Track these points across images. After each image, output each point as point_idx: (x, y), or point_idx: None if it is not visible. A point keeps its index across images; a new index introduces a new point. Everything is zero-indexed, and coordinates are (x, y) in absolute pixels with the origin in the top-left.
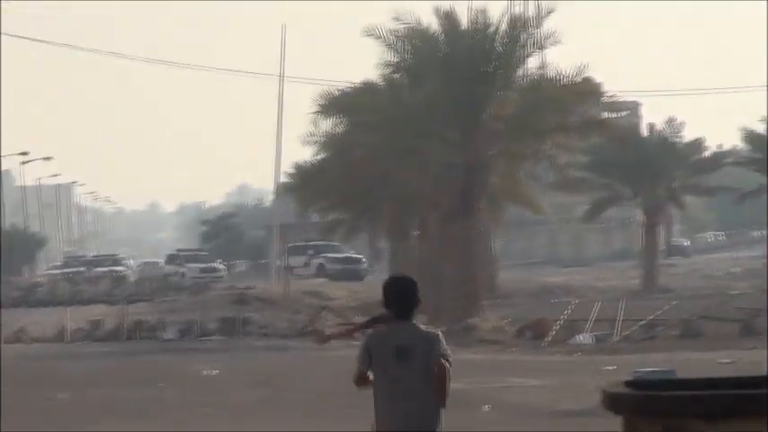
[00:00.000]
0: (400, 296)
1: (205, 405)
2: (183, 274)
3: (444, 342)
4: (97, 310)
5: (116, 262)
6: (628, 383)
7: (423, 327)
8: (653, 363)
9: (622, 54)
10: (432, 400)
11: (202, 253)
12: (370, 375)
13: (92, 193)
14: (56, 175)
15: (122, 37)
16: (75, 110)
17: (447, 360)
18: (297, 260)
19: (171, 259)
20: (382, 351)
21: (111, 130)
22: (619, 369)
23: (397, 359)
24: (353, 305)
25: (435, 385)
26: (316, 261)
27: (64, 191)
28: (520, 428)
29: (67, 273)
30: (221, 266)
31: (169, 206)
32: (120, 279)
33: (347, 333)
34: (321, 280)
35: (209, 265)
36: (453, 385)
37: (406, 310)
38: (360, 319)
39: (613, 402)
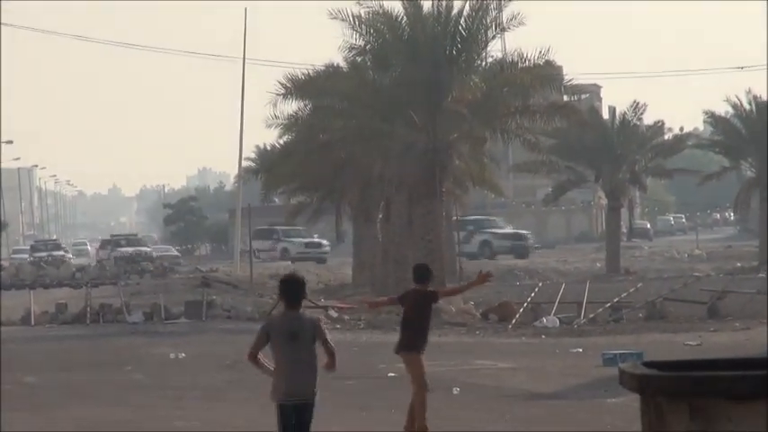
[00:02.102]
0: (291, 290)
1: (174, 388)
2: (285, 250)
3: (323, 325)
4: (61, 294)
5: (137, 242)
6: (645, 364)
7: (306, 314)
8: (620, 345)
9: (582, 37)
10: (314, 371)
11: (297, 228)
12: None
13: (53, 176)
14: (17, 159)
15: (83, 19)
16: (36, 93)
17: (329, 340)
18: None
19: (266, 234)
20: (278, 334)
21: (72, 114)
22: (586, 351)
23: (290, 340)
24: (318, 288)
25: (331, 361)
26: (479, 238)
27: (25, 174)
28: (491, 411)
29: (41, 257)
30: (325, 241)
31: (130, 190)
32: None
33: (389, 301)
34: (286, 263)
35: (312, 239)
36: None
37: (295, 301)
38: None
39: (637, 382)
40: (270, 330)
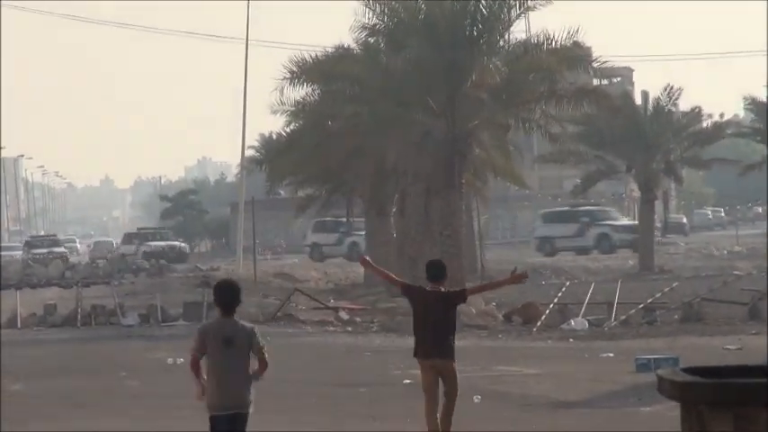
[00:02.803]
0: (226, 296)
1: (172, 396)
2: (354, 245)
3: (259, 335)
4: (50, 294)
5: (168, 236)
6: (684, 370)
7: (242, 322)
8: (654, 349)
9: (613, 16)
10: (248, 381)
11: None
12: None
13: (40, 167)
14: (1, 148)
15: None
16: (22, 78)
17: (264, 350)
18: (561, 229)
19: (331, 227)
20: (213, 339)
21: (61, 100)
22: (617, 356)
23: (224, 347)
24: (328, 288)
25: (261, 370)
26: (596, 231)
27: (10, 165)
28: (515, 421)
29: (40, 254)
30: None
31: (123, 182)
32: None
33: (386, 276)
34: (293, 260)
35: None
36: None
37: (231, 307)
38: (342, 301)
39: (678, 390)
40: (206, 337)
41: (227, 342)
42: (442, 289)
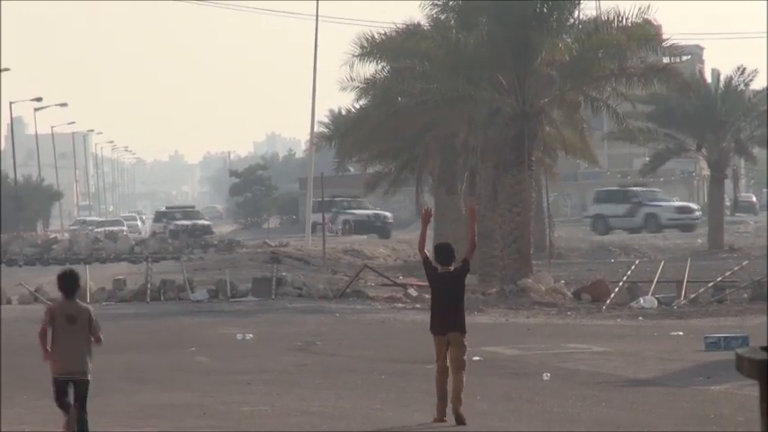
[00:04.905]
0: (68, 283)
1: (241, 371)
2: (650, 216)
3: (95, 315)
4: (119, 269)
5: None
6: (763, 349)
7: (81, 303)
8: (723, 328)
9: None
10: (87, 352)
11: (654, 189)
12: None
13: (110, 142)
14: (71, 123)
15: None
16: (93, 53)
17: (99, 329)
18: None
19: (619, 197)
20: (58, 317)
21: (131, 75)
22: (686, 334)
23: (68, 323)
24: (397, 264)
25: (96, 343)
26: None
27: (80, 140)
28: (585, 398)
29: (183, 226)
30: (695, 205)
31: (193, 157)
32: None
33: (421, 239)
34: (363, 237)
35: (683, 203)
36: (508, 352)
37: (71, 292)
38: (405, 278)
39: (757, 368)
40: (53, 314)
41: (70, 319)
42: (451, 269)
